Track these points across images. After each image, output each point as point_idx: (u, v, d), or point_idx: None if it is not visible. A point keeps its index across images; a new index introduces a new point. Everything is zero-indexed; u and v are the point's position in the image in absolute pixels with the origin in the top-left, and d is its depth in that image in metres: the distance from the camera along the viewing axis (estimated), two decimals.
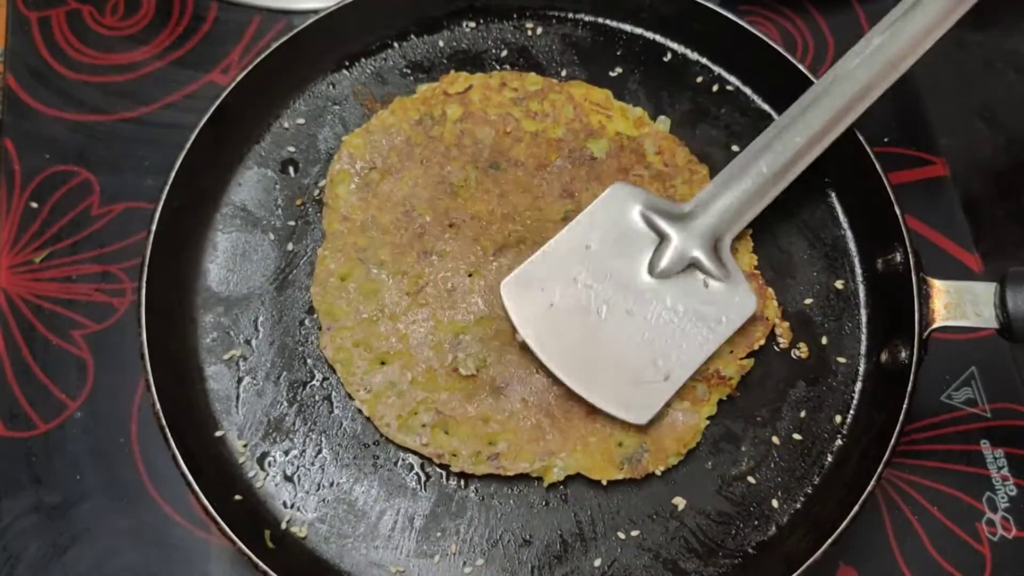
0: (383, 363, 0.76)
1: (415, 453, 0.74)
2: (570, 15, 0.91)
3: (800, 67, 0.83)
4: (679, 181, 0.83)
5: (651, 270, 0.76)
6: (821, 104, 0.77)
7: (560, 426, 0.74)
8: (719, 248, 0.76)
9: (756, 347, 0.78)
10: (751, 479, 0.75)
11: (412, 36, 0.90)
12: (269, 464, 0.74)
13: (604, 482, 0.73)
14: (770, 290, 0.80)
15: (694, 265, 0.76)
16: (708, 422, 0.76)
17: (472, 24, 0.90)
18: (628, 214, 0.77)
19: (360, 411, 0.75)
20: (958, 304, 0.73)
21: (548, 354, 0.74)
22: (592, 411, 0.74)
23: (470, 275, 0.79)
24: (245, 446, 0.74)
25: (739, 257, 0.80)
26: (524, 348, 0.75)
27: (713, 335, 0.75)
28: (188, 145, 0.77)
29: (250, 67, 0.81)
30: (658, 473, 0.74)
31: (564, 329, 0.74)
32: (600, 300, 0.75)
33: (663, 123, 0.86)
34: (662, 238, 0.76)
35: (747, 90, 0.88)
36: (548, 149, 0.83)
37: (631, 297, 0.75)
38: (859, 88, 0.76)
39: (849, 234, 0.83)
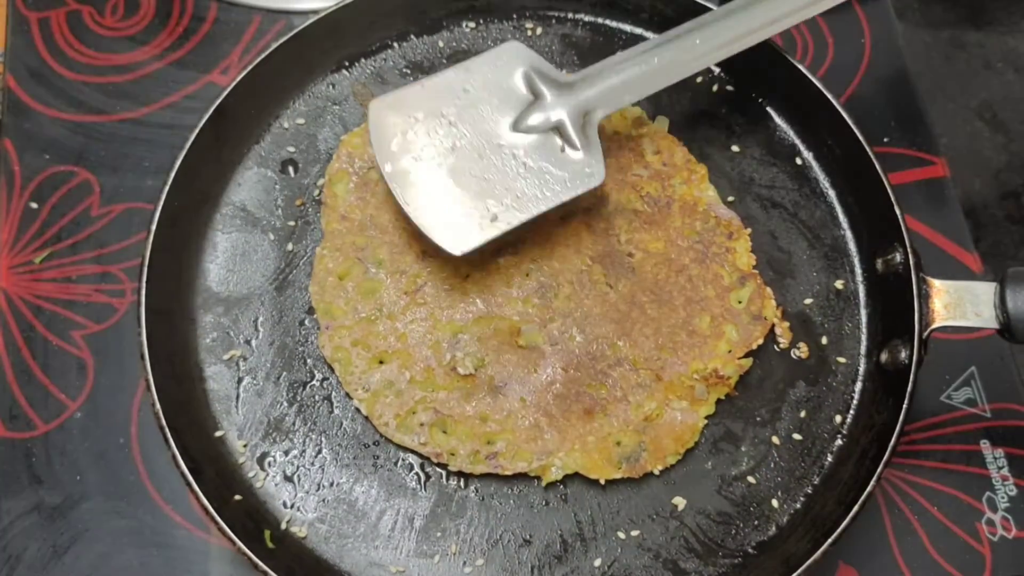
0: (381, 362, 0.76)
1: (414, 453, 0.74)
2: (570, 15, 0.91)
3: (800, 67, 0.83)
4: (677, 180, 0.83)
5: (515, 125, 0.77)
6: (734, 18, 0.79)
7: (558, 425, 0.74)
8: (588, 120, 0.77)
9: (754, 346, 0.78)
10: (751, 479, 0.75)
11: (412, 36, 0.90)
12: (269, 464, 0.74)
13: (603, 481, 0.73)
14: (768, 290, 0.80)
15: (558, 130, 0.77)
16: (707, 422, 0.76)
17: (472, 24, 0.91)
18: (513, 70, 0.79)
19: (360, 411, 0.75)
20: (958, 304, 0.73)
21: (392, 174, 0.75)
22: (590, 410, 0.74)
23: (468, 274, 0.79)
24: (245, 446, 0.74)
25: (737, 256, 0.80)
26: (518, 348, 0.76)
27: (551, 193, 0.76)
28: (188, 145, 0.77)
29: (250, 67, 0.81)
30: (656, 472, 0.74)
31: (414, 154, 0.76)
32: (457, 138, 0.77)
33: (661, 123, 0.86)
34: (537, 98, 0.78)
35: (747, 90, 0.88)
36: None
37: (487, 142, 0.77)
38: (779, 12, 0.79)
39: (849, 234, 0.83)
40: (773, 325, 0.79)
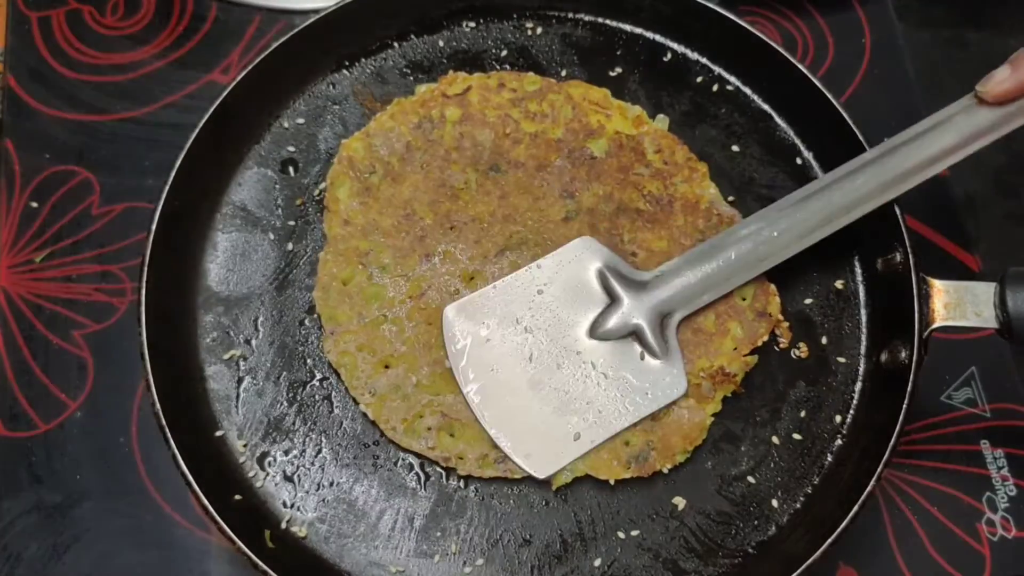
0: (387, 366, 0.76)
1: (419, 455, 0.74)
2: (570, 15, 0.91)
3: (800, 67, 0.83)
4: (679, 179, 0.83)
5: (592, 330, 0.76)
6: (809, 206, 0.75)
7: None
8: (666, 324, 0.76)
9: (759, 343, 0.77)
10: (751, 479, 0.75)
11: (412, 36, 0.90)
12: (269, 464, 0.74)
13: (612, 482, 0.73)
14: (772, 287, 0.79)
15: (636, 335, 0.75)
16: (713, 419, 0.76)
17: (472, 24, 0.91)
18: (587, 269, 0.77)
19: (365, 414, 0.75)
20: (958, 304, 0.73)
21: (469, 386, 0.74)
22: None
23: (472, 277, 0.79)
24: (245, 446, 0.74)
25: None
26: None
27: (633, 408, 0.74)
28: (188, 145, 0.77)
29: (250, 67, 0.81)
30: (665, 471, 0.74)
31: (491, 366, 0.74)
32: (534, 347, 0.75)
33: (662, 121, 0.86)
34: (613, 300, 0.76)
35: (747, 90, 0.88)
36: (548, 150, 0.83)
37: (564, 351, 0.75)
38: (857, 196, 0.74)
39: (849, 234, 0.83)
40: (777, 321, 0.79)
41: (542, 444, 0.73)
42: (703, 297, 0.76)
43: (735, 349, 0.77)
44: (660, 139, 0.84)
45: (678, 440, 0.74)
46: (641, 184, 0.82)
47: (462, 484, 0.74)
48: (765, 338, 0.78)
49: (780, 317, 0.79)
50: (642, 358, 0.75)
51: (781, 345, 0.79)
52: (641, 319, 0.75)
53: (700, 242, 0.80)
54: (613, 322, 0.75)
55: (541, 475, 0.72)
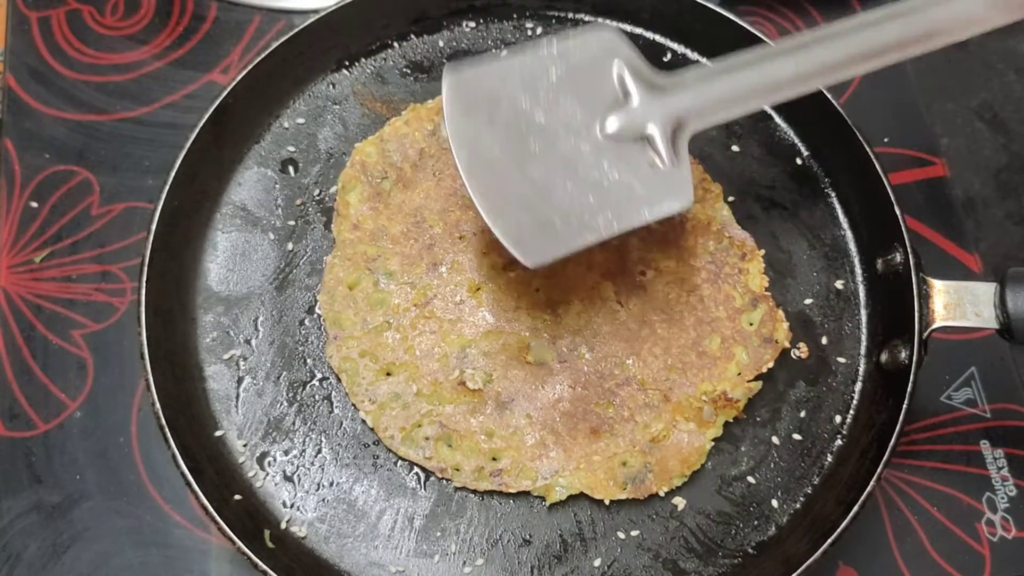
0: (389, 374, 0.76)
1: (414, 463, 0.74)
2: (570, 15, 0.91)
3: None
4: None
5: (602, 127, 0.71)
6: (836, 43, 0.72)
7: (564, 444, 0.74)
8: (679, 133, 0.72)
9: (764, 370, 0.77)
10: (751, 479, 0.75)
11: (412, 36, 0.90)
12: (269, 464, 0.74)
13: (607, 501, 0.73)
14: (780, 312, 0.79)
15: (646, 140, 0.71)
16: (713, 443, 0.75)
17: (472, 24, 0.91)
18: (605, 62, 0.72)
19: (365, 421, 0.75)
20: (958, 304, 0.73)
21: (467, 164, 0.69)
22: (597, 430, 0.74)
23: (478, 288, 0.79)
24: (245, 446, 0.74)
25: (749, 278, 0.79)
26: (526, 364, 0.75)
27: (635, 212, 0.70)
28: (188, 145, 0.78)
29: (250, 67, 0.81)
30: (661, 494, 0.74)
31: (493, 147, 0.70)
32: (540, 135, 0.70)
33: None
34: (628, 99, 0.72)
35: None
36: None
37: (571, 145, 0.71)
38: (891, 39, 0.72)
39: (849, 234, 0.83)
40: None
41: (535, 233, 0.69)
42: (719, 114, 0.73)
43: (739, 374, 0.76)
44: None
45: (676, 464, 0.74)
46: None
47: None
48: (771, 364, 0.77)
49: (787, 344, 0.78)
50: (650, 165, 0.71)
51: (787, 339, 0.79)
52: (655, 124, 0.71)
53: (709, 264, 0.79)
54: (625, 123, 0.71)
55: (530, 263, 0.69)
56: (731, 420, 0.76)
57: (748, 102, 0.73)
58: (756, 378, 0.77)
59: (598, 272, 0.79)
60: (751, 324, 0.78)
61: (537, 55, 0.72)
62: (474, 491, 0.74)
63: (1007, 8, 0.72)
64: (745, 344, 0.77)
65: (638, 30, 0.91)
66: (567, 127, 0.71)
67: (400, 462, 0.74)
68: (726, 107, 0.73)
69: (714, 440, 0.75)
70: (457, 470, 0.73)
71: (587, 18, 0.91)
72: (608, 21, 0.91)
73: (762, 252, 0.81)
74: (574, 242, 0.69)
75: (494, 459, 0.73)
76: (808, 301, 0.81)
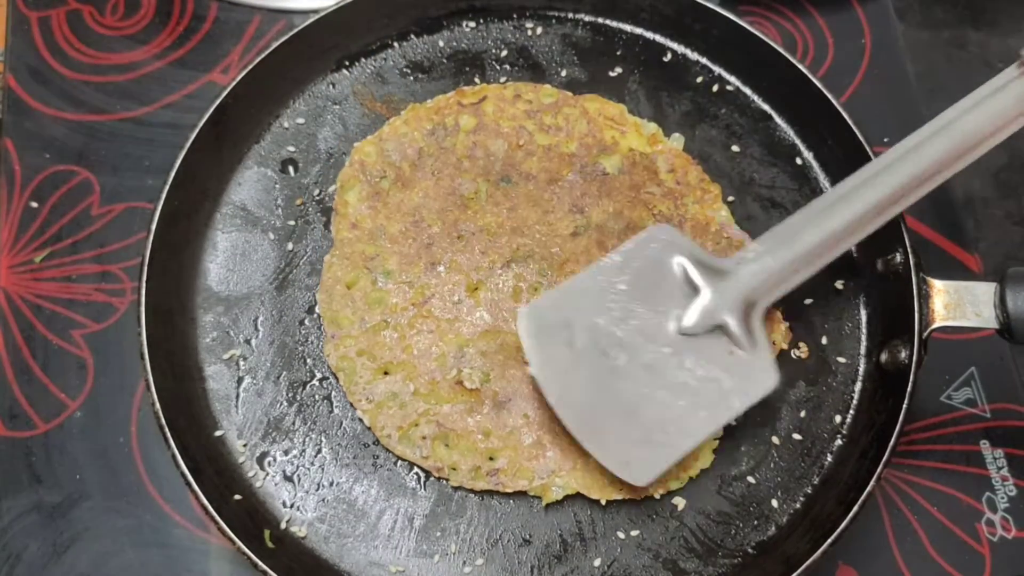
0: (386, 373, 0.76)
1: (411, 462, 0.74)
2: (570, 15, 0.91)
3: (800, 67, 0.83)
4: (690, 200, 0.82)
5: (678, 326, 0.72)
6: (883, 179, 0.73)
7: (560, 443, 0.73)
8: (751, 314, 0.72)
9: None
10: (751, 479, 0.75)
11: (412, 36, 0.90)
12: (269, 464, 0.74)
13: (603, 501, 0.73)
14: (778, 313, 0.79)
15: (721, 328, 0.72)
16: (716, 443, 0.75)
17: (472, 24, 0.91)
18: (666, 260, 0.73)
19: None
20: (958, 304, 0.73)
21: (557, 397, 0.71)
22: None
23: (476, 288, 0.78)
24: (245, 446, 0.74)
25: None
26: (524, 363, 0.75)
27: (728, 408, 0.71)
28: (188, 145, 0.78)
29: (250, 67, 0.81)
30: (657, 496, 0.73)
31: (578, 373, 0.71)
32: (621, 348, 0.71)
33: (677, 140, 0.85)
34: (696, 291, 0.73)
35: (747, 90, 0.88)
36: (560, 163, 0.83)
37: (653, 351, 0.71)
38: (925, 167, 0.72)
39: None
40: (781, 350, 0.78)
41: (639, 452, 0.70)
42: (787, 283, 0.73)
43: None
44: (674, 158, 0.84)
45: (673, 467, 0.73)
46: (652, 203, 0.82)
47: None
48: None
49: (784, 346, 0.78)
50: (730, 353, 0.72)
51: (782, 345, 0.79)
52: (727, 312, 0.72)
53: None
54: (699, 316, 0.72)
55: (641, 483, 0.70)
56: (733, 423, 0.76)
57: (811, 266, 0.73)
58: None
59: None
60: None
61: (600, 268, 0.73)
62: (474, 491, 0.74)
63: None
64: None
65: (638, 30, 0.91)
66: (644, 334, 0.71)
67: (400, 462, 0.74)
68: (790, 277, 0.73)
69: (716, 439, 0.75)
70: (454, 469, 0.73)
71: (587, 18, 0.91)
72: (608, 21, 0.91)
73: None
74: (677, 451, 0.70)
75: (491, 459, 0.73)
76: (808, 301, 0.81)
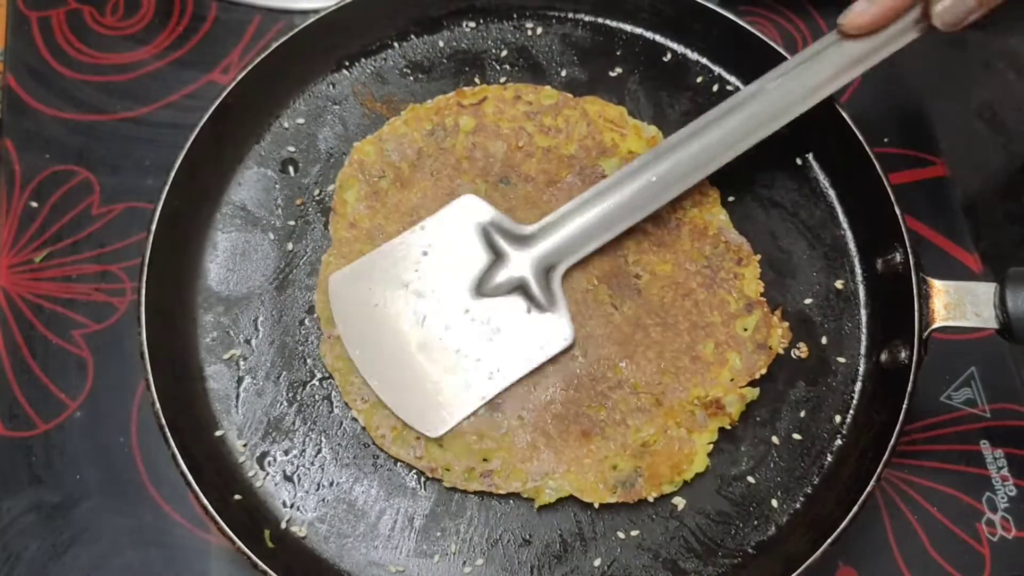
0: None
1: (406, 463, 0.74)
2: (570, 15, 0.91)
3: None
4: (688, 203, 0.82)
5: (479, 287, 0.76)
6: (687, 149, 0.77)
7: (555, 446, 0.74)
8: (551, 275, 0.77)
9: (757, 376, 0.77)
10: (751, 479, 0.75)
11: (412, 36, 0.90)
12: (269, 464, 0.74)
13: (597, 505, 0.73)
14: (775, 318, 0.79)
15: (522, 289, 0.76)
16: (711, 447, 0.75)
17: (472, 24, 0.91)
18: (470, 226, 0.78)
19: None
20: (958, 304, 0.73)
21: (361, 355, 0.75)
22: (588, 432, 0.74)
23: None
24: (245, 446, 0.74)
25: (745, 283, 0.79)
26: None
27: (524, 360, 0.75)
28: (188, 145, 0.77)
29: (250, 67, 0.81)
30: (650, 499, 0.73)
31: (382, 333, 0.75)
32: (422, 309, 0.76)
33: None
34: (498, 256, 0.77)
35: None
36: (559, 165, 0.83)
37: (452, 311, 0.76)
38: (730, 139, 0.77)
39: (849, 234, 0.83)
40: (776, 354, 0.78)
41: (433, 405, 0.73)
42: (586, 247, 0.77)
43: (732, 380, 0.76)
44: None
45: (666, 470, 0.73)
46: None
47: None
48: (763, 371, 0.77)
49: (780, 351, 0.78)
50: (528, 311, 0.76)
51: (781, 345, 0.79)
52: (526, 272, 0.76)
53: (705, 268, 0.79)
54: (499, 278, 0.76)
55: (434, 434, 0.73)
56: (726, 427, 0.76)
57: (606, 232, 0.77)
58: (749, 384, 0.76)
59: (594, 275, 0.79)
60: (745, 329, 0.78)
61: (406, 236, 0.78)
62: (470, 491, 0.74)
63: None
64: (739, 350, 0.77)
65: (638, 30, 0.91)
66: (445, 297, 0.76)
67: (400, 462, 0.74)
68: (586, 242, 0.77)
69: (710, 443, 0.75)
70: (447, 470, 0.73)
71: (587, 18, 0.91)
72: (608, 21, 0.91)
73: (758, 257, 0.81)
74: (469, 406, 0.74)
75: (485, 460, 0.73)
76: (808, 301, 0.81)
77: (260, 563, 0.66)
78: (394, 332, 0.75)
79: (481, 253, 0.78)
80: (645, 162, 0.77)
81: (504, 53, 0.89)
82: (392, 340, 0.75)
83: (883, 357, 0.77)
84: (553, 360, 0.76)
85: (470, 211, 0.79)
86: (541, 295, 0.76)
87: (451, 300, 0.76)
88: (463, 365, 0.75)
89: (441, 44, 0.90)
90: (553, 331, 0.76)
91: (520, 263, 0.77)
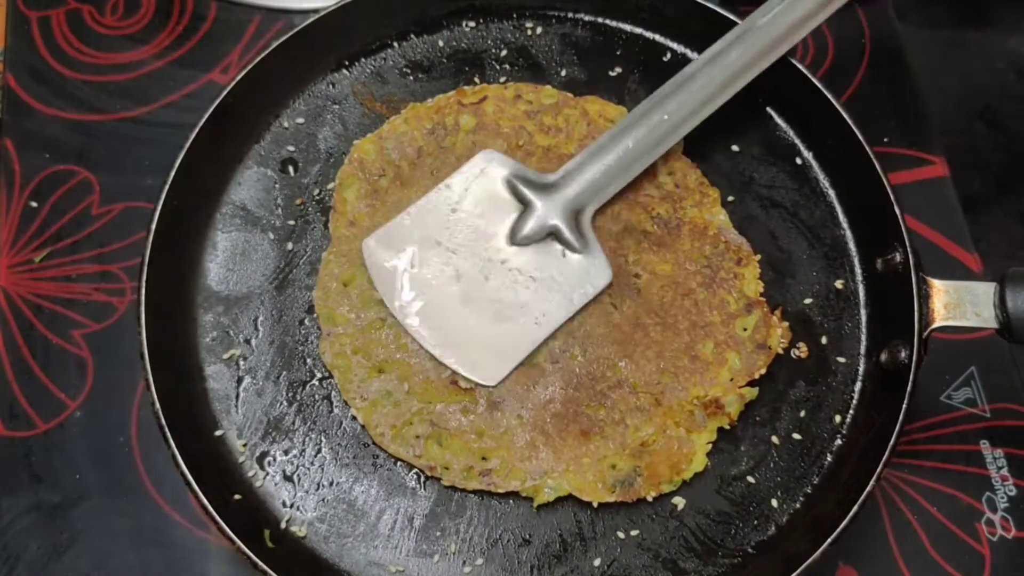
0: (381, 371, 0.76)
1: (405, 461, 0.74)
2: (570, 15, 0.91)
3: (800, 67, 0.83)
4: (689, 203, 0.82)
5: (512, 237, 0.78)
6: (692, 85, 0.80)
7: (554, 445, 0.73)
8: (580, 219, 0.79)
9: (756, 376, 0.76)
10: (751, 479, 0.75)
11: (412, 36, 0.90)
12: (268, 463, 0.74)
13: (595, 504, 0.73)
14: (774, 318, 0.78)
15: (553, 234, 0.78)
16: (709, 447, 0.75)
17: (472, 24, 0.91)
18: (495, 180, 0.80)
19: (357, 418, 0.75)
20: (958, 304, 0.73)
21: (404, 314, 0.76)
22: (587, 432, 0.74)
23: None
24: (245, 445, 0.74)
25: (745, 283, 0.79)
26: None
27: (566, 302, 0.76)
28: (188, 145, 0.77)
29: (250, 66, 0.81)
30: (649, 499, 0.73)
31: (422, 291, 0.77)
32: (459, 264, 0.77)
33: (677, 144, 0.85)
34: (526, 206, 0.79)
35: (747, 90, 0.88)
36: (560, 165, 0.82)
37: (488, 263, 0.77)
38: (732, 71, 0.80)
39: (849, 234, 0.83)
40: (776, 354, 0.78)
41: (486, 354, 0.75)
42: (610, 188, 0.79)
43: (731, 380, 0.76)
44: (674, 161, 0.83)
45: (665, 469, 0.73)
46: (650, 206, 0.82)
47: None
48: (763, 371, 0.77)
49: (780, 351, 0.78)
50: (563, 255, 0.78)
51: (781, 345, 0.79)
52: (556, 218, 0.78)
53: (704, 268, 0.79)
54: (530, 226, 0.78)
55: (491, 383, 0.74)
56: (725, 427, 0.76)
57: (627, 172, 0.80)
58: (749, 384, 0.76)
59: None
60: (745, 329, 0.78)
61: (433, 196, 0.80)
62: (468, 490, 0.74)
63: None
64: (738, 350, 0.77)
65: (638, 30, 0.91)
66: (481, 247, 0.78)
67: (399, 461, 0.74)
68: (610, 183, 0.79)
69: (709, 443, 0.75)
70: (446, 468, 0.73)
71: (587, 17, 0.91)
72: (608, 21, 0.91)
73: (758, 257, 0.81)
74: (521, 351, 0.75)
75: (484, 458, 0.73)
76: (808, 301, 0.81)
77: (260, 563, 0.66)
78: (434, 290, 0.76)
79: (509, 204, 0.79)
80: (655, 102, 0.80)
81: (504, 53, 0.89)
82: (433, 298, 0.76)
83: (883, 357, 0.77)
84: (553, 359, 0.76)
85: (491, 165, 0.80)
86: (573, 238, 0.77)
87: (487, 253, 0.78)
88: (508, 314, 0.76)
89: (441, 44, 0.90)
90: (592, 271, 0.77)
91: (548, 209, 0.78)
